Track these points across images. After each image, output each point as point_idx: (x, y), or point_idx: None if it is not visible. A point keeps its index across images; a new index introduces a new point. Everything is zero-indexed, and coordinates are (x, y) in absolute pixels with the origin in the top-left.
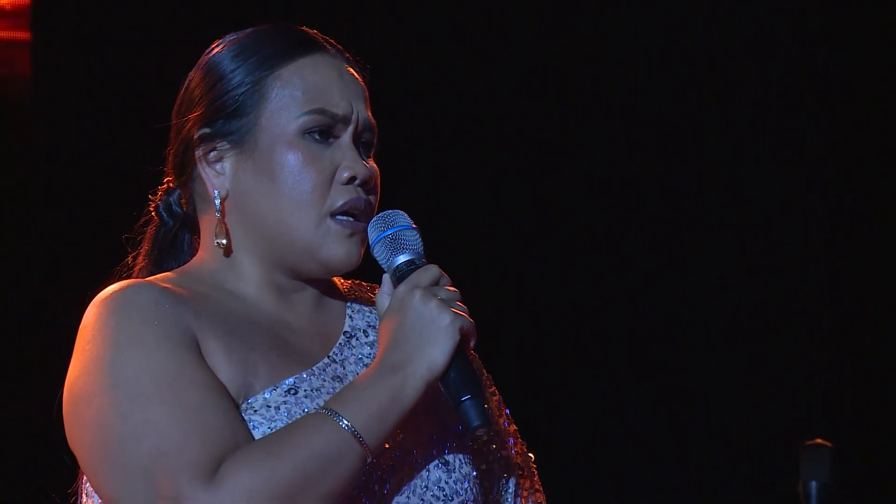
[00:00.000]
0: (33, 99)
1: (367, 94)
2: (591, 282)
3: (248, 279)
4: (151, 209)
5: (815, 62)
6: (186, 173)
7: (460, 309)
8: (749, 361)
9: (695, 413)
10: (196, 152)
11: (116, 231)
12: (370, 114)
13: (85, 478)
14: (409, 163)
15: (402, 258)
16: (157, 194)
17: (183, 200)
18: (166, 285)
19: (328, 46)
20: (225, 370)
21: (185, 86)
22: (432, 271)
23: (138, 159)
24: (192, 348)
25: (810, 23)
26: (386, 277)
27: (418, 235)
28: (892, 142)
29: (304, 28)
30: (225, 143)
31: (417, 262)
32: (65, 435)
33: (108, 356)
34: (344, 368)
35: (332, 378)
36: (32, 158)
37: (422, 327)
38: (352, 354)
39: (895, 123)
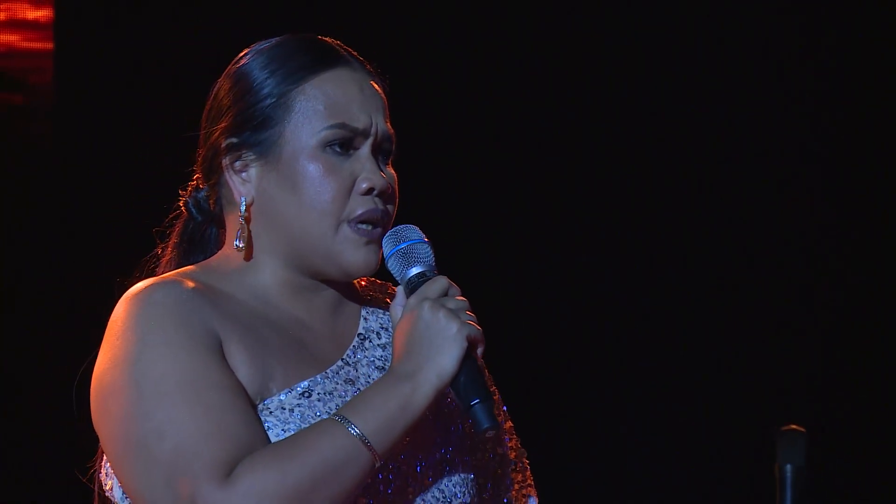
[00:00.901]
0: (56, 105)
1: (387, 104)
2: (563, 264)
3: (270, 279)
4: (181, 204)
5: (814, 63)
6: (214, 177)
7: (469, 317)
8: (728, 354)
9: (676, 401)
10: (223, 160)
11: (143, 227)
12: (389, 124)
13: (105, 460)
14: (410, 165)
15: (414, 271)
16: (186, 190)
17: (211, 200)
18: (192, 283)
19: (350, 60)
20: (244, 371)
21: (213, 93)
22: (441, 282)
23: (162, 158)
24: (215, 350)
25: (810, 22)
26: (400, 289)
27: (430, 249)
28: (872, 133)
29: (327, 39)
30: (251, 153)
31: (428, 275)
32: (81, 418)
33: (136, 354)
34: (356, 371)
35: (345, 381)
36: (59, 159)
37: (431, 337)
38: (364, 357)
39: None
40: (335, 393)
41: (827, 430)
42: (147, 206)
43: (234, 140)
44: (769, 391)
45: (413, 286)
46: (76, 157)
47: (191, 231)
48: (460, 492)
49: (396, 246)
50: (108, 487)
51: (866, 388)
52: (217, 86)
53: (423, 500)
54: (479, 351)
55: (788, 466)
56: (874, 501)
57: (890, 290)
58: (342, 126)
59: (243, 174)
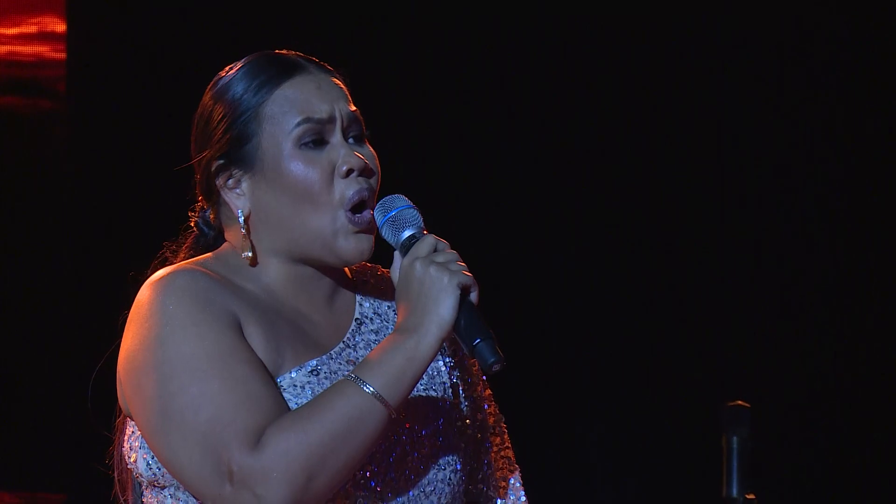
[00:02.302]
0: (70, 110)
1: (349, 93)
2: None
3: (275, 276)
4: (192, 224)
5: (814, 62)
6: (213, 197)
7: (459, 267)
8: (678, 333)
9: (630, 380)
10: (217, 182)
11: (152, 238)
12: (354, 108)
13: (130, 433)
14: (409, 161)
15: (405, 234)
16: (195, 210)
17: (212, 217)
18: (208, 272)
19: (307, 65)
20: (261, 351)
21: (195, 121)
22: (429, 240)
23: (174, 164)
24: (237, 329)
25: (810, 22)
26: (396, 254)
27: (416, 212)
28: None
29: (285, 53)
30: (238, 169)
31: (418, 236)
32: (91, 406)
33: (165, 334)
34: (356, 352)
35: (347, 362)
36: (73, 163)
37: (426, 291)
38: (362, 340)
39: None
40: (339, 372)
41: (771, 405)
42: (164, 209)
43: (222, 161)
44: (717, 370)
45: (406, 248)
46: (89, 162)
47: (202, 245)
48: (452, 459)
49: (385, 216)
50: (132, 460)
51: (809, 366)
52: (197, 114)
53: (421, 466)
54: (474, 296)
55: (735, 439)
56: (817, 472)
57: (831, 268)
58: (307, 120)
59: (237, 190)
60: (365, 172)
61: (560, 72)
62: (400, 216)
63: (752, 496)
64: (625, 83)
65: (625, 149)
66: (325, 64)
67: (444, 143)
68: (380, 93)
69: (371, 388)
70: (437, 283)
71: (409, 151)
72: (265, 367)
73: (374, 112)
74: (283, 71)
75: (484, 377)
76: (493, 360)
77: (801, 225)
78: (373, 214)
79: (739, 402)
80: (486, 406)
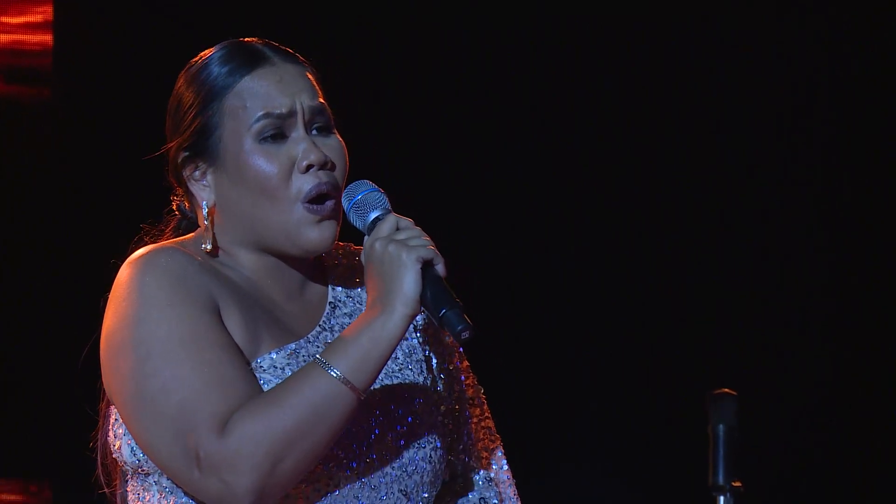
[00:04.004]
0: (54, 97)
1: (315, 83)
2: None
3: (245, 266)
4: (174, 207)
5: (814, 62)
6: (182, 187)
7: (419, 242)
8: (666, 321)
9: (620, 368)
10: (184, 173)
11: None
12: (321, 99)
13: (113, 420)
14: (409, 161)
15: (370, 217)
16: (177, 194)
17: (186, 204)
18: (189, 252)
19: (271, 56)
20: (239, 333)
21: (168, 109)
22: (389, 220)
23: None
24: (214, 311)
25: (810, 22)
26: (365, 238)
27: (381, 194)
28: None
29: (252, 41)
30: (203, 162)
31: (382, 217)
32: (84, 386)
33: (142, 314)
34: (333, 335)
35: (324, 344)
36: (54, 153)
37: (386, 270)
38: (337, 323)
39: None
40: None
41: (756, 393)
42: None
43: (187, 153)
44: (703, 357)
45: (371, 231)
46: (73, 152)
47: (184, 229)
48: (432, 437)
49: (350, 202)
50: (116, 447)
51: (797, 353)
52: (170, 100)
53: (401, 443)
54: (440, 267)
55: (721, 426)
56: (805, 460)
57: (818, 256)
58: (266, 115)
59: (203, 181)
60: (326, 166)
61: (560, 72)
62: (364, 200)
63: (738, 484)
64: (625, 83)
65: (619, 145)
66: (294, 52)
67: (444, 143)
68: (379, 92)
69: (337, 373)
70: (396, 261)
71: (409, 151)
72: (240, 350)
73: (373, 112)
74: (246, 62)
75: (461, 349)
76: (460, 327)
77: (787, 212)
78: (339, 204)
79: (725, 389)
80: (462, 378)
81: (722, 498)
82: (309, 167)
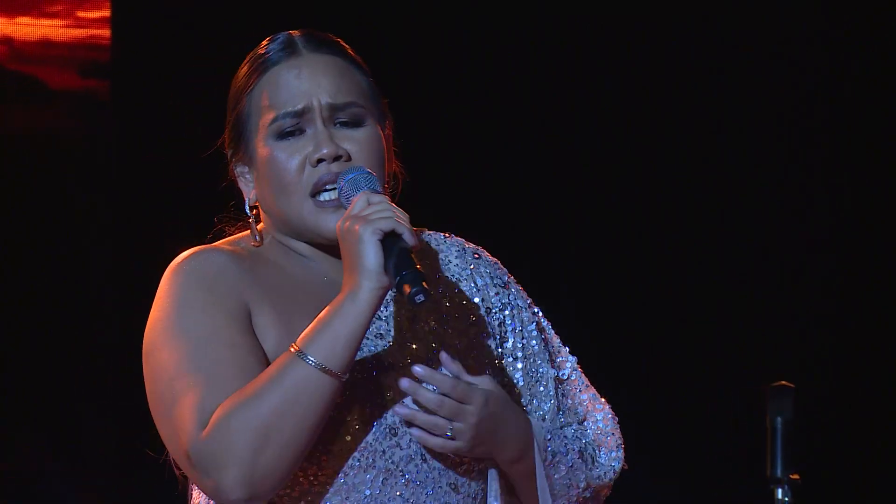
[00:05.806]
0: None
1: (348, 74)
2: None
3: (303, 252)
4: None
5: (814, 63)
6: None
7: (382, 215)
8: (723, 316)
9: (675, 360)
10: (235, 170)
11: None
12: (343, 93)
13: None
14: (409, 162)
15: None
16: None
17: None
18: (231, 250)
19: (295, 49)
20: (273, 333)
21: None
22: (360, 200)
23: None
24: (236, 312)
25: (810, 22)
26: None
27: (368, 175)
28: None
29: (284, 34)
30: (241, 159)
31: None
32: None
33: (168, 318)
34: (388, 325)
35: (375, 336)
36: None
37: (350, 248)
38: (386, 310)
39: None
40: (365, 348)
41: (816, 385)
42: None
43: (231, 151)
44: (762, 350)
45: None
46: (134, 145)
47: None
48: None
49: (338, 188)
50: None
51: (852, 347)
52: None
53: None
54: (406, 237)
55: (779, 419)
56: (857, 451)
57: (873, 252)
58: (283, 116)
59: (247, 176)
60: (340, 159)
61: (560, 72)
62: (353, 183)
63: (796, 476)
64: (625, 83)
65: (624, 145)
66: (334, 40)
67: (444, 143)
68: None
69: (313, 360)
70: (356, 236)
71: (409, 151)
72: (256, 351)
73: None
74: (263, 63)
75: (530, 302)
76: (414, 289)
77: (846, 207)
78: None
79: (783, 382)
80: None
81: (780, 490)
82: (319, 161)
